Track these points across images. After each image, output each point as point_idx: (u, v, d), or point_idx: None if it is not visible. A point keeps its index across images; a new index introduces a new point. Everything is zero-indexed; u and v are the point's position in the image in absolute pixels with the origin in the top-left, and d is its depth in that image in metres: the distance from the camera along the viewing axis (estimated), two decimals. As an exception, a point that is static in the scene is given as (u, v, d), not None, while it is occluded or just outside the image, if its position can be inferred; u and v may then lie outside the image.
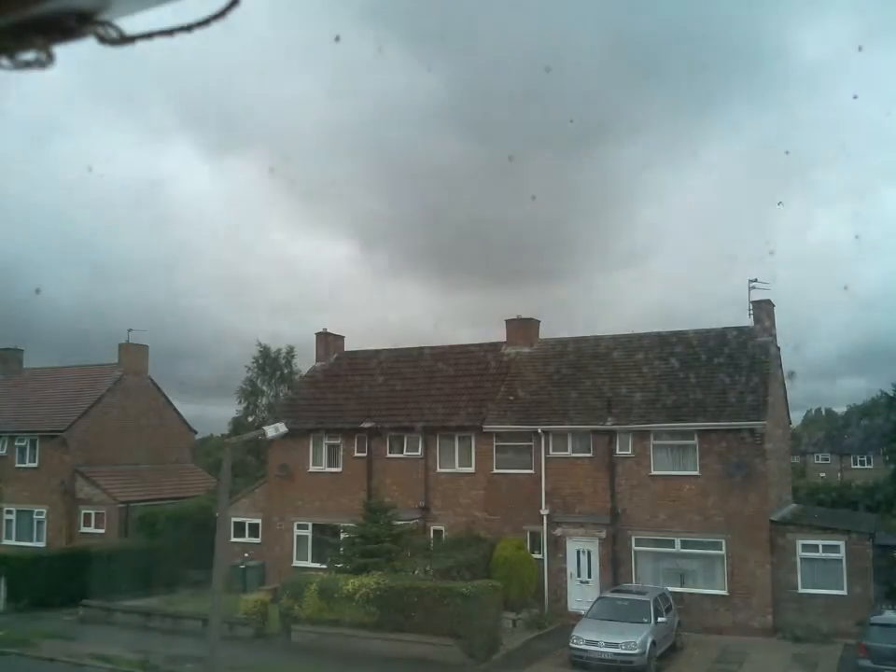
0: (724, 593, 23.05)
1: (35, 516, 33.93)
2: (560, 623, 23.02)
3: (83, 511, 33.23)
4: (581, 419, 25.39)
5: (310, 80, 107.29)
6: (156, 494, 33.94)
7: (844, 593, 22.21)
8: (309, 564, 27.65)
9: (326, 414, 29.98)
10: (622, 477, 24.61)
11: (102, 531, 32.36)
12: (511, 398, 27.23)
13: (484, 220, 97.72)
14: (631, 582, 23.46)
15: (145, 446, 35.30)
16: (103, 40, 1.30)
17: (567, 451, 25.42)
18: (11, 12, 1.21)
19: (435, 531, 26.99)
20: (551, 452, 25.58)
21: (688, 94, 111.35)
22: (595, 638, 18.99)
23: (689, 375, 25.21)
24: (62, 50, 1.31)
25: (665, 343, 27.08)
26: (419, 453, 27.57)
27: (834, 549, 22.58)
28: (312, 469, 29.21)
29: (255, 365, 49.91)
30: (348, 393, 30.42)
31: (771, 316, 26.42)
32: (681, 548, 23.76)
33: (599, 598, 21.52)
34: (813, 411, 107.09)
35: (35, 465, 34.30)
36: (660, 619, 19.84)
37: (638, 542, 24.36)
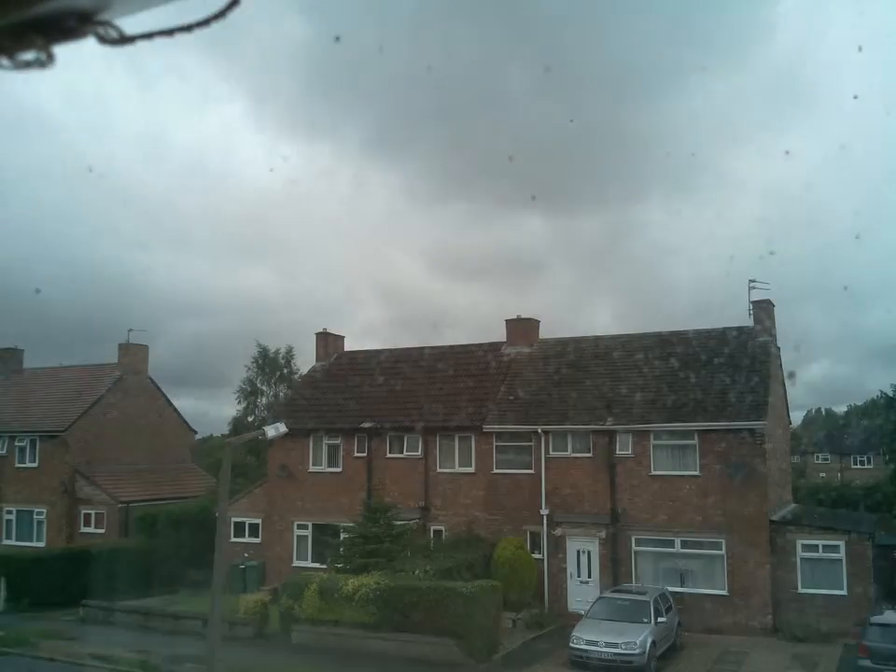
0: (724, 593, 23.04)
1: (35, 516, 33.96)
2: (560, 623, 22.98)
3: (83, 511, 33.26)
4: (581, 419, 25.39)
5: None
6: (156, 494, 33.94)
7: (844, 593, 22.20)
8: (309, 564, 27.64)
9: (326, 414, 29.97)
10: (622, 477, 24.61)
11: (102, 531, 32.39)
12: (511, 398, 27.24)
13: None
14: (631, 582, 23.45)
15: (145, 446, 35.35)
16: (103, 40, 1.30)
17: (567, 451, 25.42)
18: (11, 12, 1.21)
19: (435, 531, 26.97)
20: (551, 452, 25.57)
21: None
22: (594, 638, 18.99)
23: (689, 375, 25.23)
24: (62, 50, 1.31)
25: (665, 343, 27.11)
26: (419, 453, 27.56)
27: (834, 549, 22.57)
28: (312, 468, 29.20)
29: (254, 365, 49.90)
30: (348, 393, 30.41)
31: (771, 316, 26.45)
32: (681, 548, 23.75)
33: (599, 598, 21.53)
34: (813, 411, 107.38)
35: (35, 465, 34.31)
36: (660, 619, 19.84)
37: (638, 542, 24.35)
